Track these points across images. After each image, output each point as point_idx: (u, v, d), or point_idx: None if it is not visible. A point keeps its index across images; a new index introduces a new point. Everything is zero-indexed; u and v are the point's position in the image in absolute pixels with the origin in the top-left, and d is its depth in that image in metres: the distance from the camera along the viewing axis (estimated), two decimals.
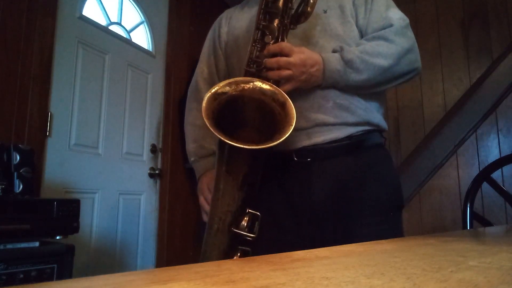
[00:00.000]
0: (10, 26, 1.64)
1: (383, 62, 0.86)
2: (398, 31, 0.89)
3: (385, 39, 0.88)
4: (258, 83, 0.79)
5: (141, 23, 2.45)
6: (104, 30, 2.15)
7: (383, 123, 0.94)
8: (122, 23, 2.32)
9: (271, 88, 0.79)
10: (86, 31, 2.01)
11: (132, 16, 2.41)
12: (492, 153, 2.38)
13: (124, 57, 2.25)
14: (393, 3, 0.96)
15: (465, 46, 2.73)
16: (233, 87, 0.78)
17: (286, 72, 0.81)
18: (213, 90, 0.76)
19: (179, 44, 2.63)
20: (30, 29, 1.71)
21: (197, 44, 2.66)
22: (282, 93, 0.78)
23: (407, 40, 0.90)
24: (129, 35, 2.36)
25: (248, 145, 0.70)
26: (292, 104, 0.76)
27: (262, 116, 0.80)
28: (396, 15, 0.92)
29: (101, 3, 2.19)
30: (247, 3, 1.07)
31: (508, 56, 2.44)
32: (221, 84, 0.78)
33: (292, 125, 0.73)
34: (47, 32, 1.78)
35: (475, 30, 2.71)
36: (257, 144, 0.72)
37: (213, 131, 0.69)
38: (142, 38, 2.46)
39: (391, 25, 0.90)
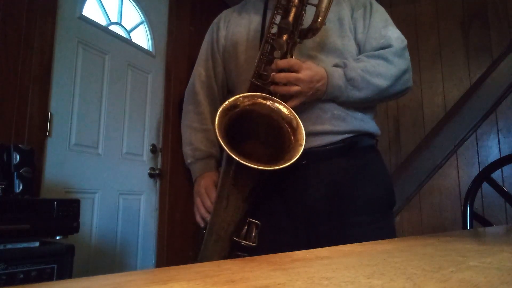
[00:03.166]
0: (10, 26, 1.64)
1: (382, 82, 0.89)
2: (397, 52, 0.92)
3: (385, 59, 0.90)
4: (273, 102, 0.80)
5: (141, 23, 2.45)
6: (104, 30, 2.15)
7: (376, 130, 0.97)
8: (122, 23, 2.32)
9: (284, 109, 0.80)
10: (86, 31, 2.01)
11: (132, 16, 2.41)
12: (492, 153, 2.38)
13: (124, 57, 2.25)
14: (391, 21, 0.98)
15: (465, 46, 2.73)
16: (244, 102, 0.79)
17: (294, 89, 0.82)
18: (224, 106, 0.76)
19: (179, 44, 2.63)
20: (30, 29, 1.71)
21: (197, 44, 2.65)
22: (295, 115, 0.79)
23: (404, 61, 0.93)
24: (129, 35, 2.36)
25: (263, 166, 0.71)
26: (302, 126, 0.78)
27: (271, 133, 0.81)
28: (395, 35, 0.94)
29: (101, 3, 2.19)
30: (243, 6, 1.07)
31: (508, 56, 2.44)
32: (232, 99, 0.79)
33: (302, 145, 0.75)
34: (47, 32, 1.78)
35: (475, 30, 2.71)
36: (268, 164, 0.72)
37: (226, 149, 0.70)
38: (142, 38, 2.46)
39: (390, 45, 0.92)
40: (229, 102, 0.77)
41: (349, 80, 0.87)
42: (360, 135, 0.93)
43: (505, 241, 0.60)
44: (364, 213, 0.88)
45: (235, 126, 0.77)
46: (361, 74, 0.87)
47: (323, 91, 0.87)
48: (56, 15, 1.83)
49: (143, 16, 2.45)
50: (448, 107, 2.70)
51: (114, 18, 2.28)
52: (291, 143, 0.76)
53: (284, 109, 0.80)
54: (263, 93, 0.82)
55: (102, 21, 2.17)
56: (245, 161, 0.68)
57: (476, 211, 1.36)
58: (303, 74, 0.82)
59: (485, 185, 1.39)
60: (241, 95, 0.80)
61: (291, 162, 0.71)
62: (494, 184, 1.37)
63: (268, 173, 0.79)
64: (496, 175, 1.42)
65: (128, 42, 2.31)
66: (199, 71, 1.10)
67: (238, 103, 0.78)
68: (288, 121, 0.79)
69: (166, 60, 2.56)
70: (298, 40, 0.85)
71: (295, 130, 0.78)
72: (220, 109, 0.75)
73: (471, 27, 2.72)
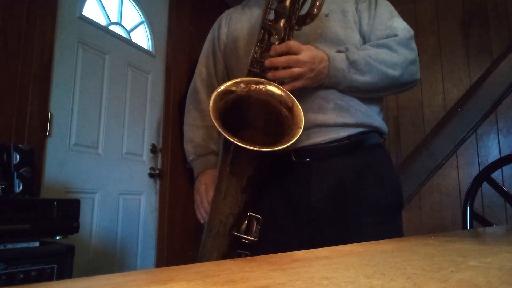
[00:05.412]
0: (10, 26, 1.63)
1: (385, 69, 0.86)
2: (402, 41, 0.90)
3: (389, 48, 0.88)
4: (266, 85, 0.78)
5: (141, 23, 2.45)
6: (104, 30, 2.15)
7: (383, 126, 0.94)
8: (122, 23, 2.32)
9: (279, 91, 0.78)
10: (86, 31, 2.01)
11: (132, 16, 2.41)
12: (492, 153, 2.38)
13: (124, 57, 2.25)
14: (396, 12, 0.97)
15: (465, 46, 2.73)
16: (240, 87, 0.77)
17: (296, 70, 0.80)
18: (219, 90, 0.75)
19: (179, 44, 2.63)
20: (30, 29, 1.71)
21: (197, 44, 2.65)
22: (290, 96, 0.77)
23: (410, 51, 0.91)
24: (129, 35, 2.36)
25: (260, 147, 0.68)
26: (300, 107, 0.75)
27: (269, 117, 0.79)
28: (401, 26, 0.93)
29: (101, 3, 2.19)
30: (247, 3, 1.06)
31: (508, 56, 2.44)
32: (228, 83, 0.77)
33: (301, 128, 0.72)
34: (47, 32, 1.78)
35: (475, 30, 2.71)
36: (266, 146, 0.70)
37: (221, 131, 0.68)
38: (142, 38, 2.46)
39: (395, 35, 0.90)
40: (224, 88, 0.75)
41: (352, 62, 0.84)
42: (366, 132, 0.90)
43: (505, 241, 0.60)
44: (368, 215, 0.85)
45: (231, 113, 0.75)
46: (364, 57, 0.85)
47: (326, 74, 0.84)
48: (56, 15, 1.83)
49: (143, 16, 2.44)
50: (448, 107, 2.70)
51: (114, 18, 2.28)
52: (289, 127, 0.74)
53: (277, 90, 0.77)
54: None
55: (102, 21, 2.17)
56: (239, 142, 0.66)
57: (476, 211, 1.36)
58: (303, 55, 0.80)
59: (485, 185, 1.39)
60: (233, 80, 0.77)
61: (289, 143, 0.69)
62: (494, 184, 1.36)
63: (265, 159, 0.77)
64: (496, 175, 1.42)
65: (128, 42, 2.31)
66: (200, 69, 1.10)
67: (233, 88, 0.76)
68: (284, 102, 0.76)
69: (166, 60, 2.56)
70: (296, 27, 0.83)
71: (291, 110, 0.75)
72: (214, 94, 0.73)
73: (471, 27, 2.72)
